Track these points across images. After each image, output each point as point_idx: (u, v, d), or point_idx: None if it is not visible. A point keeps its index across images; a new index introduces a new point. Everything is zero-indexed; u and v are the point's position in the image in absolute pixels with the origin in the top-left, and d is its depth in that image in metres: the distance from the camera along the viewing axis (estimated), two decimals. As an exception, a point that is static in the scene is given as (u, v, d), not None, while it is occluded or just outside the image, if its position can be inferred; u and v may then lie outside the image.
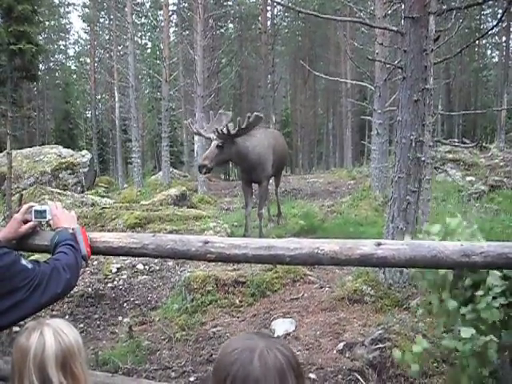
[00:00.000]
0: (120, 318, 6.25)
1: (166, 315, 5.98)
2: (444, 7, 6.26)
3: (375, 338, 4.74)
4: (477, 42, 44.46)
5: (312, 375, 4.37)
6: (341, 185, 19.38)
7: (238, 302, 6.15)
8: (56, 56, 53.28)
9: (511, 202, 15.35)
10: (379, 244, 1.97)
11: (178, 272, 7.77)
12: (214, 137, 8.55)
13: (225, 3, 36.83)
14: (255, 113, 8.42)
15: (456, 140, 17.31)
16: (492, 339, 2.23)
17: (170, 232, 9.15)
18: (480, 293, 2.27)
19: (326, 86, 40.38)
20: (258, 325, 5.52)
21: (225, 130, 8.30)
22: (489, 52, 52.59)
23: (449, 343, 2.44)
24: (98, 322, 6.13)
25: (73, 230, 2.45)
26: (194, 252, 2.25)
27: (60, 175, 17.22)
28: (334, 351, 4.76)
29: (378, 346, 4.65)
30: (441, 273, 2.39)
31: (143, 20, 43.91)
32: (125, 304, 6.71)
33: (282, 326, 5.32)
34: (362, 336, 4.88)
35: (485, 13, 41.60)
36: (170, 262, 8.15)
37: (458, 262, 1.96)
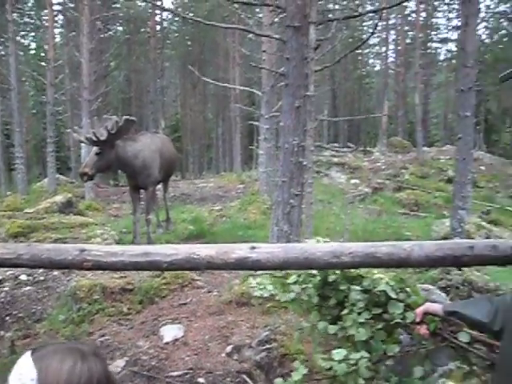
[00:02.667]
0: (1, 332, 5.95)
1: (52, 327, 5.77)
2: (324, 18, 6.51)
3: (262, 339, 4.83)
4: (360, 51, 46.46)
5: (201, 380, 4.39)
6: (230, 189, 19.51)
7: (125, 309, 6.05)
8: None
9: (392, 204, 16.18)
10: (254, 248, 2.02)
11: (65, 281, 7.48)
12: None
13: (113, 5, 36.02)
14: (125, 117, 8.31)
15: (337, 145, 17.98)
16: (362, 356, 2.34)
17: (55, 241, 8.82)
18: (345, 311, 2.37)
19: (216, 91, 40.48)
20: (147, 332, 5.46)
21: (93, 137, 8.10)
22: (371, 61, 55.08)
23: (324, 363, 2.51)
24: (-23, 340, 5.80)
25: None
26: (71, 261, 2.20)
27: None
28: (223, 354, 4.80)
29: (265, 347, 4.75)
30: (306, 298, 2.47)
31: (26, 19, 42.00)
32: (7, 318, 6.38)
33: (170, 332, 5.29)
34: (249, 338, 4.95)
35: (366, 24, 43.43)
36: (56, 272, 7.84)
37: (329, 262, 2.04)
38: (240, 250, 2.01)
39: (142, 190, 9.70)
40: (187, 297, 6.30)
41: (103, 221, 12.36)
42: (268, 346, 4.70)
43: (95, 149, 8.34)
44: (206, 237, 10.17)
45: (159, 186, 11.02)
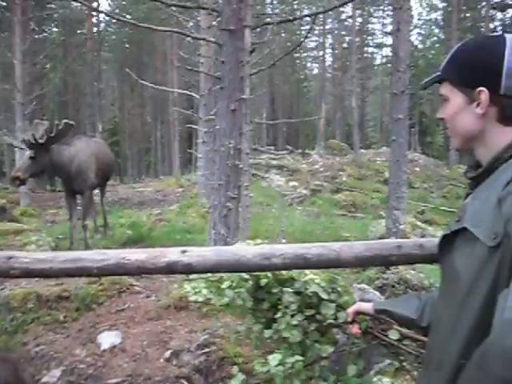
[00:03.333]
0: None
1: (-16, 338, 5.58)
2: (260, 22, 6.56)
3: (201, 343, 4.83)
4: (298, 54, 47.05)
5: (140, 386, 4.36)
6: (169, 193, 19.39)
7: (62, 317, 5.92)
8: None
9: (330, 205, 16.43)
10: (185, 251, 2.01)
11: (-3, 291, 7.28)
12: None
13: (47, 5, 35.14)
14: (64, 120, 8.17)
15: (273, 147, 18.11)
16: (297, 359, 2.37)
17: (-13, 249, 8.56)
18: (279, 314, 2.39)
19: (154, 94, 40.12)
20: (84, 340, 5.35)
21: (32, 139, 7.93)
22: (309, 64, 55.87)
23: (261, 368, 2.52)
24: None
25: None
26: (-3, 269, 2.13)
27: None
28: (161, 360, 4.77)
29: (203, 351, 4.75)
30: (239, 302, 2.49)
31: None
32: None
33: (108, 339, 5.21)
34: (188, 342, 4.93)
35: (304, 28, 44.00)
36: (-12, 281, 7.62)
37: (260, 264, 2.06)
38: (171, 254, 2.01)
39: (78, 195, 9.52)
40: (125, 303, 6.22)
41: (39, 227, 12.08)
42: (207, 350, 4.70)
43: (29, 153, 8.13)
44: (144, 241, 10.07)
45: (96, 191, 10.83)
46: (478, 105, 1.43)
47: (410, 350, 2.32)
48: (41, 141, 7.97)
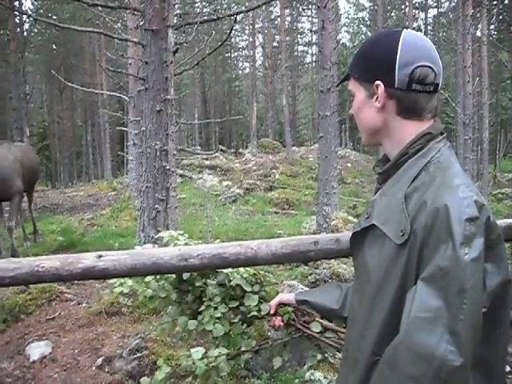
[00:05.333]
0: None
1: None
2: (183, 21, 6.53)
3: (133, 348, 4.79)
4: (228, 54, 47.15)
5: (69, 396, 4.28)
6: (102, 197, 19.06)
7: (-13, 330, 5.74)
8: None
9: (264, 203, 16.54)
10: (100, 256, 1.99)
11: None
12: None
13: (-35, 6, 33.83)
14: None
15: (199, 148, 18.10)
16: (220, 353, 2.37)
17: None
18: (203, 307, 2.40)
19: (84, 96, 39.33)
20: (11, 352, 5.21)
21: None
22: (240, 64, 56.00)
23: (186, 362, 2.51)
24: None
25: None
26: None
27: None
28: (93, 368, 4.70)
29: (136, 355, 4.70)
30: (162, 295, 2.48)
31: None
32: None
33: (37, 350, 5.09)
34: (121, 348, 4.89)
35: (235, 28, 44.07)
36: None
37: (178, 266, 2.06)
38: (86, 260, 1.98)
39: (4, 203, 9.25)
40: (55, 311, 6.09)
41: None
42: (139, 355, 4.67)
43: None
44: (76, 247, 9.86)
45: (24, 198, 10.52)
46: (376, 99, 1.45)
47: (333, 342, 2.35)
48: None
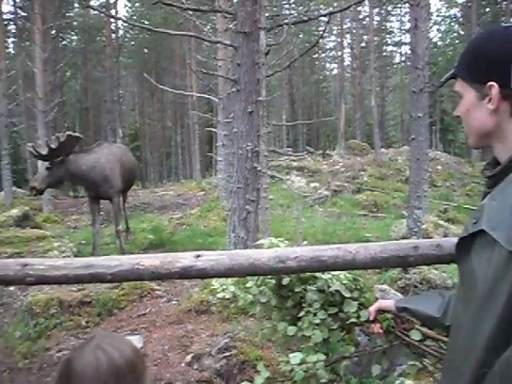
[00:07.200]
0: (-44, 351, 5.79)
1: (8, 344, 5.64)
2: (275, 23, 6.54)
3: (222, 346, 4.82)
4: (316, 55, 46.96)
5: (161, 390, 4.35)
6: (190, 197, 19.44)
7: (84, 323, 5.97)
8: None
9: (352, 205, 16.34)
10: (198, 256, 2.00)
11: (21, 297, 7.33)
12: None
13: (67, 14, 35.47)
14: (67, 132, 8.26)
15: (290, 149, 18.10)
16: (319, 359, 2.33)
17: (11, 256, 8.64)
18: (302, 313, 2.37)
19: (174, 98, 40.31)
20: (105, 345, 5.36)
21: (34, 152, 8.07)
22: (328, 65, 55.67)
23: (285, 367, 2.50)
24: None
25: None
26: (13, 276, 2.13)
27: None
28: (183, 364, 4.76)
29: (224, 354, 4.73)
30: (263, 300, 2.47)
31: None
32: (-39, 336, 6.22)
33: (129, 344, 5.21)
34: (209, 346, 4.93)
35: (322, 29, 43.82)
36: (12, 287, 7.67)
37: (275, 267, 2.04)
38: (184, 259, 1.99)
39: (101, 201, 9.59)
40: (146, 307, 6.25)
41: (61, 233, 12.17)
42: (227, 354, 4.69)
43: (46, 164, 8.27)
44: (166, 246, 10.09)
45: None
46: (489, 100, 1.36)
47: (432, 350, 2.27)
48: (43, 152, 8.09)
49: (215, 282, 3.61)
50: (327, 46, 51.89)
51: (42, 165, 18.83)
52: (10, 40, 36.96)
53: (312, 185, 19.07)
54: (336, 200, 17.23)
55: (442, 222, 11.18)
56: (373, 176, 21.24)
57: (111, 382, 1.24)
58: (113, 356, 1.27)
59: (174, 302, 6.29)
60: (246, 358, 4.55)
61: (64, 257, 8.51)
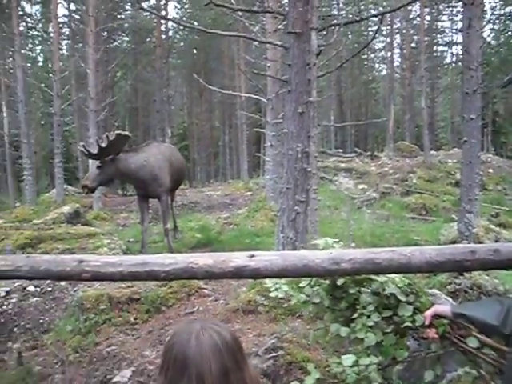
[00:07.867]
0: (9, 344, 5.95)
1: (59, 338, 5.77)
2: (326, 24, 6.51)
3: (269, 347, 4.80)
4: (365, 56, 46.48)
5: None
6: (237, 197, 19.51)
7: (132, 319, 6.05)
8: None
9: (400, 208, 16.11)
10: (252, 256, 2.00)
11: (72, 292, 7.49)
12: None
13: (118, 16, 36.10)
14: (116, 131, 8.38)
15: (341, 150, 17.95)
16: (371, 362, 2.31)
17: (63, 251, 8.85)
18: (356, 314, 2.34)
19: (222, 99, 40.50)
20: (153, 341, 5.44)
21: (85, 151, 8.24)
22: (377, 65, 54.99)
23: (337, 369, 2.48)
24: (-15, 351, 5.80)
25: None
26: (69, 272, 2.18)
27: None
28: (229, 363, 4.76)
29: (271, 355, 4.72)
30: (317, 301, 2.45)
31: (34, 32, 42.17)
32: (15, 329, 6.38)
33: (177, 342, 5.24)
34: (256, 346, 4.92)
35: (371, 29, 43.31)
36: (63, 283, 7.85)
37: (329, 269, 2.02)
38: (238, 259, 2.00)
39: (150, 199, 9.72)
40: (194, 305, 6.29)
41: (111, 230, 12.39)
42: (274, 354, 4.67)
43: (97, 162, 8.44)
44: (213, 245, 10.16)
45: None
46: None
47: (490, 359, 2.21)
48: (94, 151, 8.25)
49: (268, 281, 3.62)
50: (376, 47, 51.25)
51: (92, 163, 19.24)
52: (64, 42, 37.94)
53: (360, 186, 18.92)
54: (384, 202, 17.04)
55: (493, 227, 10.93)
56: (422, 178, 20.90)
57: (227, 357, 1.30)
58: (223, 334, 1.34)
59: (221, 301, 6.31)
60: (293, 359, 4.52)
61: (113, 254, 8.67)
